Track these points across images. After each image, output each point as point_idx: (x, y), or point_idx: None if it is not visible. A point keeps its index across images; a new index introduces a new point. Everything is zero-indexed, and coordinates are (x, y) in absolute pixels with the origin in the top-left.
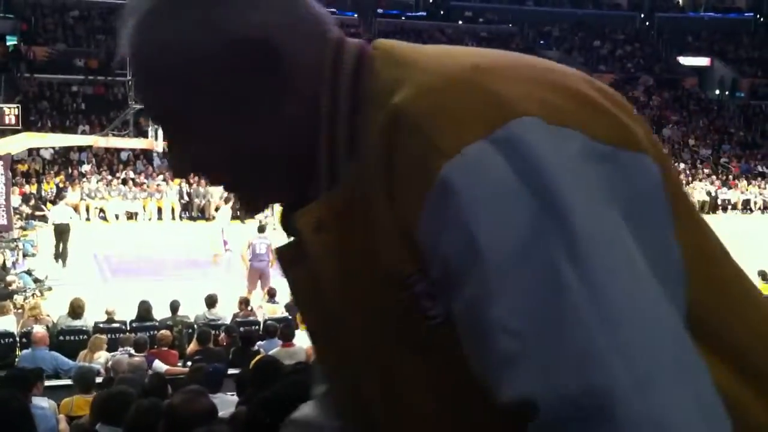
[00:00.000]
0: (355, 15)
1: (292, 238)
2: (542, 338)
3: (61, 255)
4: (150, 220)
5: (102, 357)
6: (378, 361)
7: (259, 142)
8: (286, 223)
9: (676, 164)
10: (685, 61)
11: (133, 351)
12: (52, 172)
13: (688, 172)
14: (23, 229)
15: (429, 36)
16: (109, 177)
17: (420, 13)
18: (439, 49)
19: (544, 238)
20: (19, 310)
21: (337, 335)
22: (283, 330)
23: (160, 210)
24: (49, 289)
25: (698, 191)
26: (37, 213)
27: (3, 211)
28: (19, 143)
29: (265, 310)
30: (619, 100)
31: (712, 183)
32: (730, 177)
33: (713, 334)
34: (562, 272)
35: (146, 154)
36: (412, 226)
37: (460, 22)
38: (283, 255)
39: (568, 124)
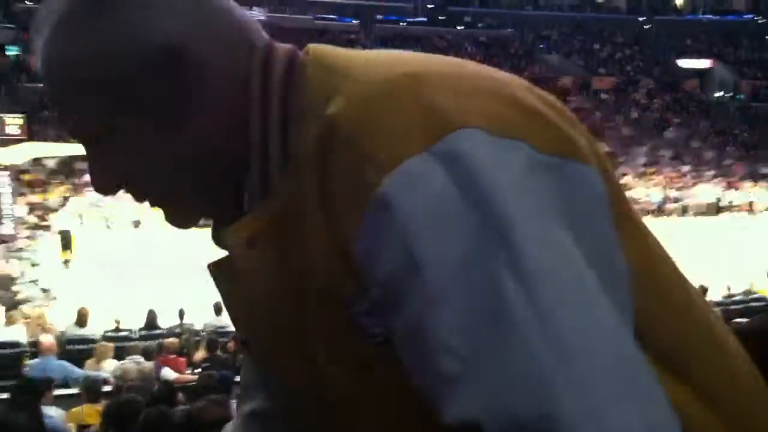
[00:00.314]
0: (355, 21)
1: (225, 254)
2: (485, 359)
3: (66, 263)
4: (156, 227)
5: (110, 365)
6: (316, 381)
7: (184, 153)
8: (218, 238)
9: (680, 167)
10: (685, 63)
11: (141, 359)
12: (56, 181)
13: (690, 174)
14: (29, 238)
15: (429, 42)
16: None
17: (420, 19)
18: (375, 54)
19: (487, 254)
20: (28, 320)
21: (271, 352)
22: None
23: None
24: (55, 298)
25: (702, 193)
26: (43, 222)
27: (9, 221)
28: (23, 153)
29: None
30: (561, 109)
31: (715, 185)
32: (734, 178)
33: (660, 348)
34: (506, 289)
35: None
36: (348, 244)
37: (460, 28)
38: (214, 269)
39: (512, 135)
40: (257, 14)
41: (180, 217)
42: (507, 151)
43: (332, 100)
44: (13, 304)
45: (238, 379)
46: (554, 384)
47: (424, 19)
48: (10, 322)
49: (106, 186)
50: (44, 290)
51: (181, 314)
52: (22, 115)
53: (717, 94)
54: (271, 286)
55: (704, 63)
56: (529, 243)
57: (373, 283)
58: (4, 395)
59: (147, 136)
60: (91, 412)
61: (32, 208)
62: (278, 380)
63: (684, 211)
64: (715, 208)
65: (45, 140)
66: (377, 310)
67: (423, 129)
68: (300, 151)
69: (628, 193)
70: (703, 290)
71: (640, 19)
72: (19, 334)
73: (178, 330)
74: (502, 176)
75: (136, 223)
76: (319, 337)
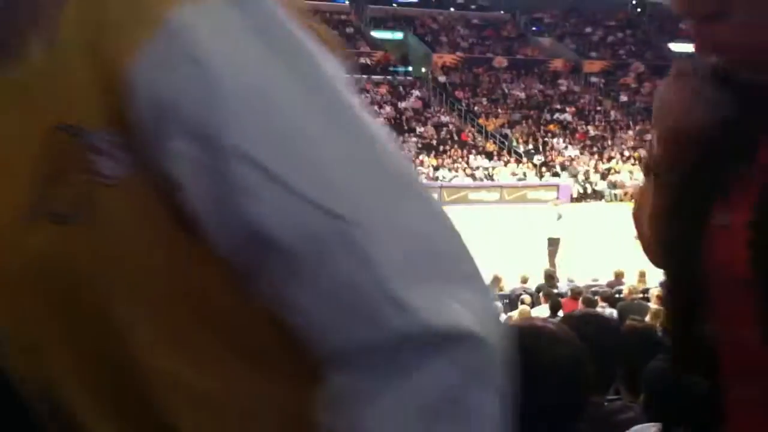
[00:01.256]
0: (347, 2)
1: None
2: (282, 164)
3: None
4: None
5: None
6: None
7: None
8: None
9: None
10: (678, 47)
11: None
12: None
13: None
14: None
15: (421, 23)
16: None
17: (412, 0)
18: None
19: (282, 73)
20: None
21: None
22: None
23: None
24: None
25: None
26: None
27: None
28: None
29: None
30: None
31: None
32: None
33: None
34: (299, 101)
35: None
36: (118, 71)
37: (452, 9)
38: None
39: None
40: None
41: None
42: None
43: None
44: None
45: None
46: (347, 184)
47: (417, 0)
48: None
49: None
50: None
51: None
52: None
53: None
54: None
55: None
56: (321, 70)
57: (146, 109)
58: None
59: None
60: None
61: None
62: None
63: None
64: None
65: None
66: (134, 144)
67: None
68: (63, 13)
69: (614, 177)
70: None
71: (634, 2)
72: None
73: None
74: (288, 19)
75: None
76: (21, 192)
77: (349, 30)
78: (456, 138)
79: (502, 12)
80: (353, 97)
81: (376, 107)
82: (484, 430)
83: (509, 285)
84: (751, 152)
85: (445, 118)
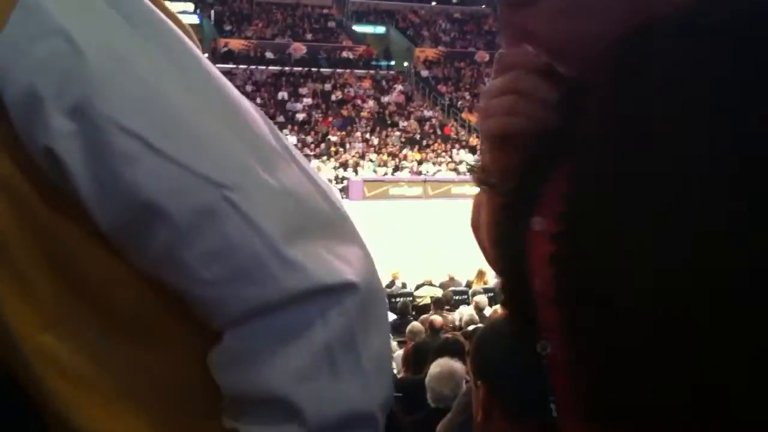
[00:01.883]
0: None
1: None
2: (160, 134)
3: None
4: None
5: None
6: None
7: None
8: None
9: None
10: None
11: None
12: None
13: None
14: None
15: (403, 17)
16: None
17: None
18: None
19: (146, 44)
20: None
21: None
22: None
23: None
24: None
25: None
26: None
27: None
28: None
29: None
30: None
31: None
32: None
33: None
34: (168, 72)
35: None
36: None
37: (434, 3)
38: None
39: None
40: None
41: None
42: None
43: None
44: None
45: None
46: (218, 150)
47: None
48: None
49: None
50: None
51: None
52: None
53: None
54: None
55: None
56: (179, 38)
57: (15, 93)
58: None
59: None
60: None
61: None
62: None
63: None
64: None
65: None
66: (7, 121)
67: None
68: None
69: None
70: None
71: None
72: None
73: None
74: None
75: None
76: None
77: (331, 24)
78: (439, 132)
79: (483, 6)
80: (214, 70)
81: (359, 101)
82: (379, 363)
83: (493, 279)
84: (555, 164)
85: (428, 113)
